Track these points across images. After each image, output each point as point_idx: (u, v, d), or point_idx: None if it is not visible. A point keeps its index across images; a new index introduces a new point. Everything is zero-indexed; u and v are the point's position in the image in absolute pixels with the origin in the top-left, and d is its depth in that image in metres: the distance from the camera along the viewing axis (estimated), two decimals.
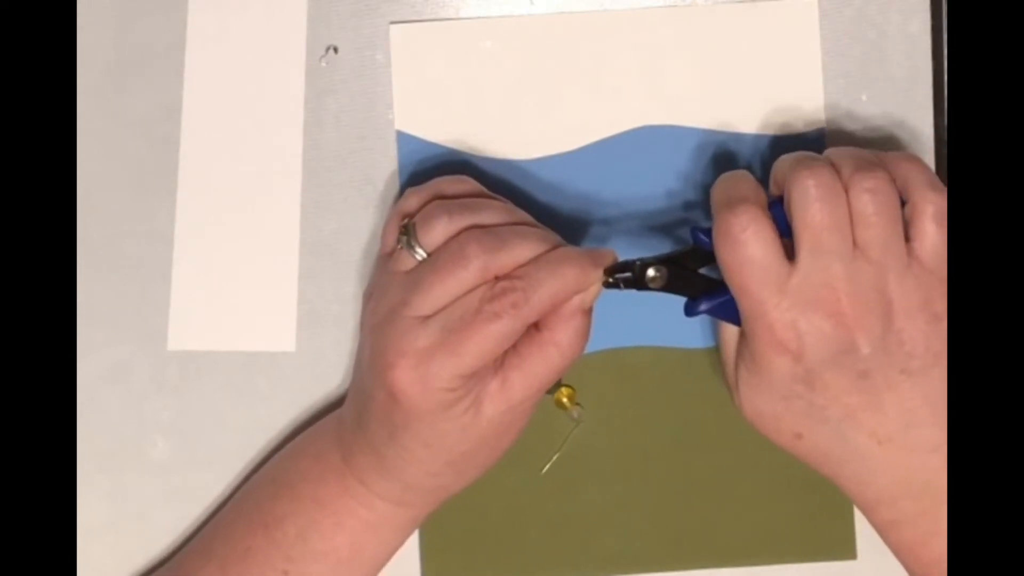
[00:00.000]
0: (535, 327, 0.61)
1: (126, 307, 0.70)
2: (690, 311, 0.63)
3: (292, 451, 0.68)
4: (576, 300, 0.60)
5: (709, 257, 0.62)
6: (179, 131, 0.70)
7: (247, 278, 0.70)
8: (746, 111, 0.70)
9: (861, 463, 0.61)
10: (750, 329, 0.60)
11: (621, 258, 0.62)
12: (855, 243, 0.59)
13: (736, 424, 0.68)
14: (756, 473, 0.70)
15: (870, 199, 0.59)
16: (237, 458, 0.70)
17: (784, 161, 0.62)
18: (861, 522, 0.69)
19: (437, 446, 0.61)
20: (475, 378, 0.60)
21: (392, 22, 0.70)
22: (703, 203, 0.69)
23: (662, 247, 0.69)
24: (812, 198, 0.59)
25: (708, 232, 0.61)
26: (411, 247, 0.62)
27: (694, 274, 0.63)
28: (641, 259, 0.62)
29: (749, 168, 0.69)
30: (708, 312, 0.62)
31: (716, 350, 0.69)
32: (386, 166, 0.70)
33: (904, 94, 0.70)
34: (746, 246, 0.59)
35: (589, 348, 0.63)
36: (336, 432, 0.65)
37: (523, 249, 0.60)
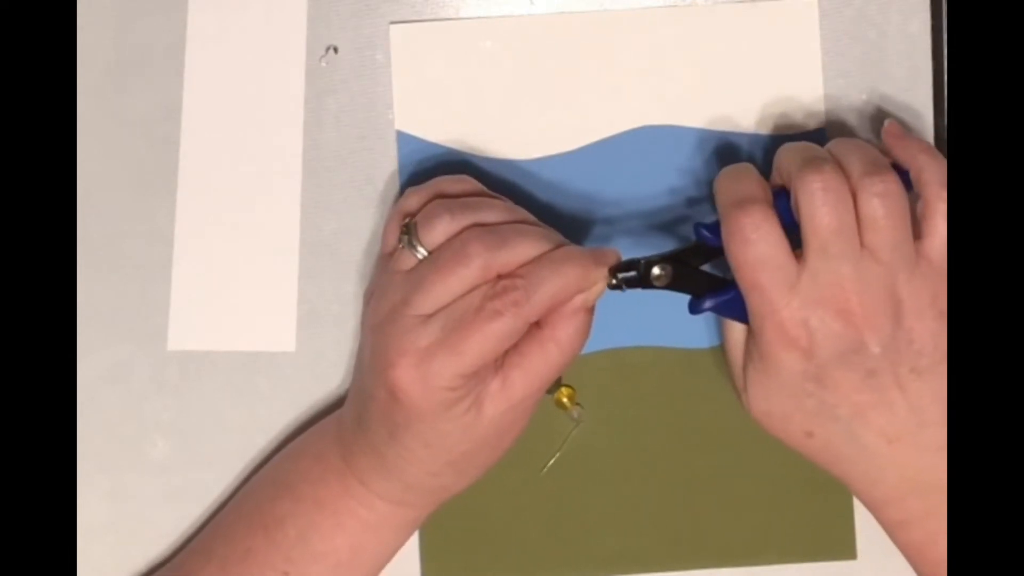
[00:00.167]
0: (536, 324, 0.61)
1: (126, 307, 0.70)
2: (695, 308, 0.63)
3: (292, 452, 0.68)
4: (579, 299, 0.60)
5: (713, 253, 0.62)
6: (179, 131, 0.70)
7: (247, 278, 0.70)
8: (746, 111, 0.70)
9: (870, 462, 0.61)
10: (759, 327, 0.60)
11: (624, 257, 0.62)
12: (864, 244, 0.59)
13: (736, 424, 0.69)
14: (756, 473, 0.70)
15: (880, 203, 0.59)
16: (237, 458, 0.70)
17: (788, 153, 0.62)
18: (861, 522, 0.69)
19: (438, 446, 0.61)
20: (476, 377, 0.60)
21: (392, 22, 0.70)
22: (704, 202, 0.69)
23: (663, 246, 0.69)
24: (819, 202, 0.59)
25: (711, 227, 0.61)
26: (412, 246, 0.61)
27: (698, 272, 0.63)
28: (646, 257, 0.62)
29: None
30: (713, 309, 0.62)
31: (716, 350, 0.69)
32: (386, 166, 0.70)
33: (904, 94, 0.70)
34: (757, 246, 0.59)
35: (589, 348, 0.63)
36: (336, 433, 0.65)
37: (525, 247, 0.60)
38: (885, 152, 0.62)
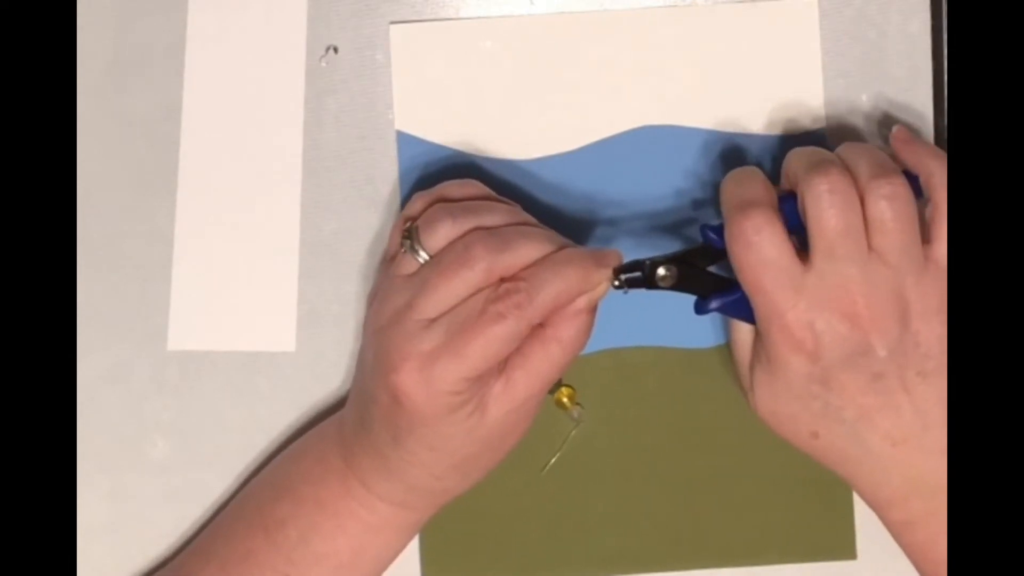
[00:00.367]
0: (538, 325, 0.61)
1: (126, 307, 0.70)
2: (700, 309, 0.63)
3: (293, 453, 0.68)
4: (582, 300, 0.60)
5: (719, 255, 0.62)
6: (179, 131, 0.70)
7: (247, 278, 0.70)
8: (746, 111, 0.70)
9: (875, 463, 0.61)
10: (766, 330, 0.60)
11: (626, 258, 0.62)
12: (872, 247, 0.59)
13: (736, 424, 0.69)
14: (756, 473, 0.70)
15: (887, 206, 0.59)
16: (237, 458, 0.70)
17: (797, 158, 0.62)
18: (861, 522, 0.69)
19: (442, 449, 0.61)
20: (480, 380, 0.60)
21: (392, 22, 0.70)
22: (705, 202, 0.69)
23: (665, 246, 0.69)
24: (826, 204, 0.59)
25: (717, 230, 0.61)
26: (414, 250, 0.61)
27: (704, 272, 0.63)
28: (650, 258, 0.62)
29: None
30: (719, 310, 0.62)
31: (717, 350, 0.69)
32: (386, 166, 0.70)
33: (904, 94, 0.70)
34: (760, 248, 0.59)
35: (589, 348, 0.63)
36: (338, 434, 0.65)
37: (528, 250, 0.60)
38: (894, 157, 0.62)
